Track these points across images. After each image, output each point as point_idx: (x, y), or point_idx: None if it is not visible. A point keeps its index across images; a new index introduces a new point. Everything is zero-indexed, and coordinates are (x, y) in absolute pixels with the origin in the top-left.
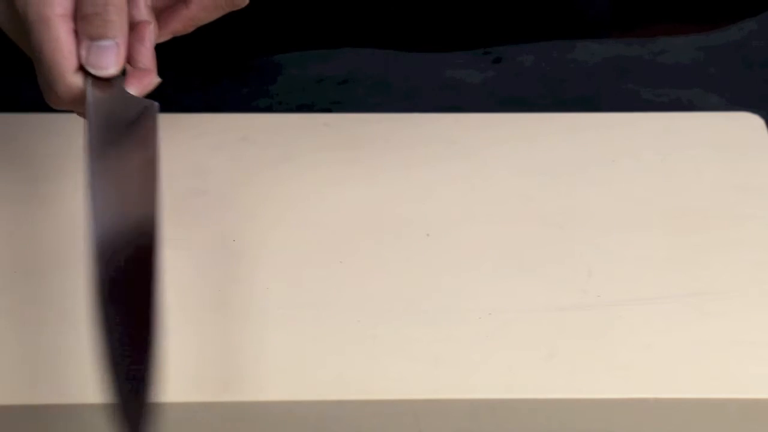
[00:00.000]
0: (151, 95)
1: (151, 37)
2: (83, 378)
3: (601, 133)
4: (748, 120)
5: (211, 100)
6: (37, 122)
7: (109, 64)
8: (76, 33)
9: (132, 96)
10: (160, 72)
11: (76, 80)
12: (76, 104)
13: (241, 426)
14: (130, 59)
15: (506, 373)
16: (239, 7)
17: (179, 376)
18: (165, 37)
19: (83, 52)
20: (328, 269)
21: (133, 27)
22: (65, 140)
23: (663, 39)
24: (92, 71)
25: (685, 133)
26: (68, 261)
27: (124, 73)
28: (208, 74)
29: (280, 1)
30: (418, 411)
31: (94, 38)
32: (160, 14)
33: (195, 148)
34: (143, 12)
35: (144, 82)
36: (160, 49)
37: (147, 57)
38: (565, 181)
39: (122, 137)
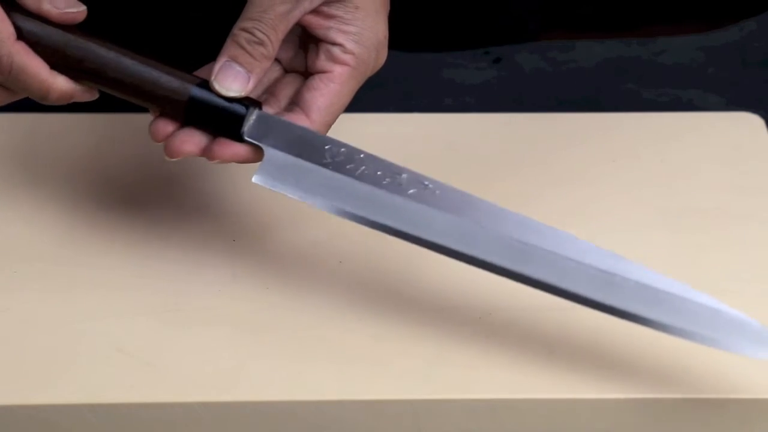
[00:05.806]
0: None
1: None
2: (83, 378)
3: (601, 133)
4: (748, 120)
5: None
6: (38, 122)
7: None
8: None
9: None
10: None
11: (57, 79)
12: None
13: (241, 426)
14: None
15: (506, 373)
16: None
17: (179, 376)
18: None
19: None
20: (328, 269)
21: None
22: (65, 140)
23: (663, 39)
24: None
25: (685, 133)
26: (67, 260)
27: None
28: None
29: None
30: (418, 411)
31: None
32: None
33: None
34: None
35: None
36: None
37: None
38: (565, 181)
39: None
